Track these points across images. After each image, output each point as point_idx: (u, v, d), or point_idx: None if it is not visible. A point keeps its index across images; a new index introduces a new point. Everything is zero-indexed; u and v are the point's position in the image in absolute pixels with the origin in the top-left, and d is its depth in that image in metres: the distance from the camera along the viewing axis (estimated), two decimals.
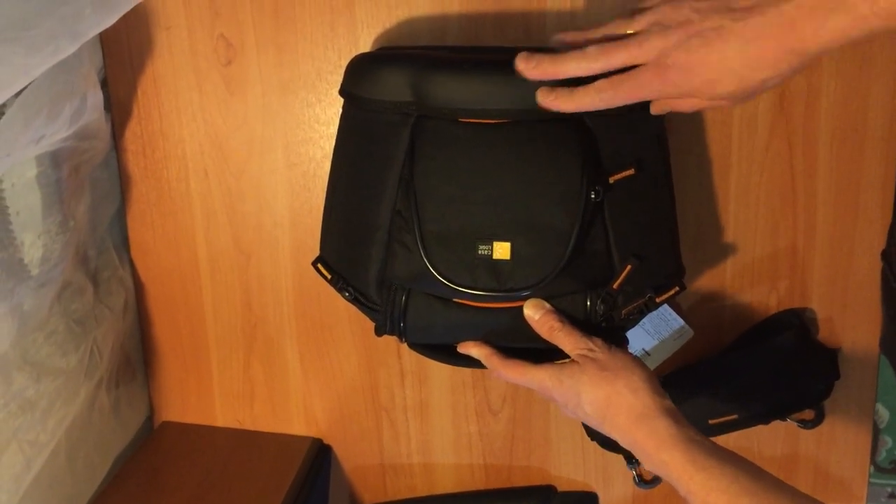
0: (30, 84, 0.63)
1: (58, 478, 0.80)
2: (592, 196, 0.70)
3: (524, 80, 0.68)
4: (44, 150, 0.72)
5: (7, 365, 0.73)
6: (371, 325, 0.79)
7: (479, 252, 0.70)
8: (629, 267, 0.72)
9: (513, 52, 0.67)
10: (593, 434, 0.92)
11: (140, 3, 0.70)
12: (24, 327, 0.75)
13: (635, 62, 0.61)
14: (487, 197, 0.70)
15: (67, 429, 0.81)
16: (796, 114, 0.83)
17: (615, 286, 0.73)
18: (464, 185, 0.70)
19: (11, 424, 0.73)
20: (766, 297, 0.88)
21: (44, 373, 0.77)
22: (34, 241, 0.76)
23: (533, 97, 0.68)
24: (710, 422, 0.87)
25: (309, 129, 0.88)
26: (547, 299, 0.74)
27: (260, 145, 0.89)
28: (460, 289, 0.71)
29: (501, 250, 0.70)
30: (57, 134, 0.71)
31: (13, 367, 0.73)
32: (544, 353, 0.82)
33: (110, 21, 0.65)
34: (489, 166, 0.70)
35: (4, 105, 0.63)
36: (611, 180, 0.71)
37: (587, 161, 0.70)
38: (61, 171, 0.79)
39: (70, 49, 0.60)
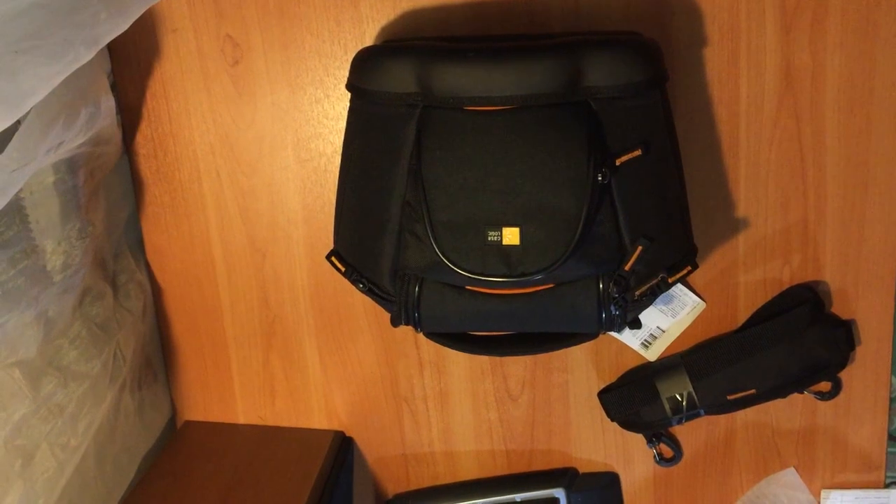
0: None
1: (88, 481, 0.81)
2: (599, 178, 0.70)
3: (527, 66, 0.68)
4: (61, 157, 0.73)
5: (35, 371, 0.74)
6: (388, 316, 0.80)
7: (489, 238, 0.71)
8: (640, 248, 0.73)
9: (516, 40, 0.67)
10: (613, 414, 0.92)
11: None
12: (50, 333, 0.76)
13: None
14: (495, 183, 0.70)
15: (95, 432, 0.82)
16: (803, 88, 0.83)
17: (627, 268, 0.73)
18: (471, 172, 0.71)
19: (42, 429, 0.74)
20: (779, 272, 0.88)
21: (70, 377, 0.78)
22: (55, 248, 0.77)
23: (536, 82, 0.68)
24: (729, 397, 0.88)
25: (318, 124, 0.88)
26: (559, 284, 0.74)
27: (270, 143, 0.89)
28: (472, 276, 0.71)
29: (511, 236, 0.71)
30: (74, 140, 0.72)
31: (41, 373, 0.75)
32: (558, 337, 0.82)
33: (125, 26, 0.65)
34: (496, 153, 0.71)
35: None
36: (617, 162, 0.71)
37: (593, 144, 0.70)
38: (77, 177, 0.80)
39: (88, 56, 0.60)
